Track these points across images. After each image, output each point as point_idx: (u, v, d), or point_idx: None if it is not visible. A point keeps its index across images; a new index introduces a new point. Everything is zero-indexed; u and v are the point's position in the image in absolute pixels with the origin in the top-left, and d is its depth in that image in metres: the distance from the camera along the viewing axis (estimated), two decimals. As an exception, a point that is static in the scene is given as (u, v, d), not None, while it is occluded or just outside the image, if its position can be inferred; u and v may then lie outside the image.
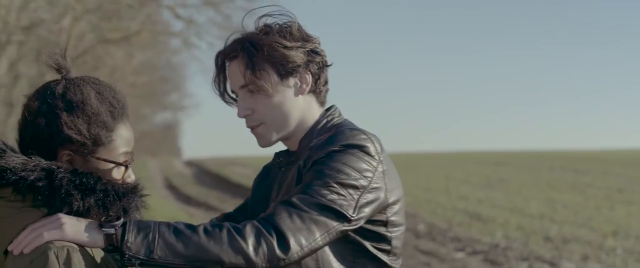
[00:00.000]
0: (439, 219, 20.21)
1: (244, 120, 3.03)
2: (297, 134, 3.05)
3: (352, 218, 2.79)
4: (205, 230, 2.61)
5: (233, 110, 3.08)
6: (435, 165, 42.87)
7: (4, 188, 2.48)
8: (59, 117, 2.50)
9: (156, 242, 2.54)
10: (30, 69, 18.79)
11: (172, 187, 37.58)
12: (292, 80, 2.99)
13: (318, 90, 3.05)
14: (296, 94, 3.01)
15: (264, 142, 3.05)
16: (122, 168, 2.63)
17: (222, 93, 3.09)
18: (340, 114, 3.11)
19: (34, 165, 2.45)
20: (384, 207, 2.91)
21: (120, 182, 2.61)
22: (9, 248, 2.44)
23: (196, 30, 23.60)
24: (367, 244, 2.93)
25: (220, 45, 3.07)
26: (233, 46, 3.01)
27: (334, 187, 2.77)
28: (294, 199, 2.75)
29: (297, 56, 2.96)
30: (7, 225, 2.47)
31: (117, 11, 18.13)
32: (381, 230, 2.94)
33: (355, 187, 2.80)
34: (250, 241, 2.61)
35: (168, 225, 2.60)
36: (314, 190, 2.76)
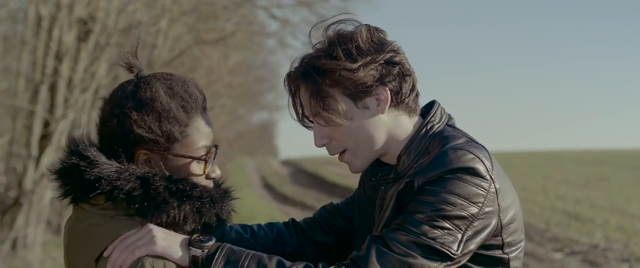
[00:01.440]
0: (537, 219, 19.93)
1: None
2: (390, 150, 2.74)
3: (456, 256, 2.50)
4: None
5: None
6: (533, 165, 42.34)
7: (96, 196, 2.44)
8: (128, 116, 2.44)
9: None
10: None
11: (268, 186, 37.82)
12: (368, 100, 2.66)
13: (402, 101, 2.70)
14: (376, 114, 2.68)
15: (355, 169, 2.78)
16: (202, 163, 2.54)
17: (301, 119, 2.78)
18: (441, 117, 2.77)
19: (129, 174, 2.41)
20: (498, 231, 2.59)
21: (204, 178, 2.55)
22: None
23: (291, 30, 23.70)
24: None
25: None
26: (296, 72, 2.71)
27: (437, 221, 2.49)
28: (390, 238, 2.50)
29: (368, 75, 2.62)
30: (99, 233, 2.43)
31: (213, 12, 18.31)
32: (497, 253, 2.63)
33: (462, 218, 2.50)
34: None
35: (259, 261, 2.47)
36: (414, 226, 2.49)
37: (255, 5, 20.29)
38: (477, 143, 2.67)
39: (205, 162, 2.54)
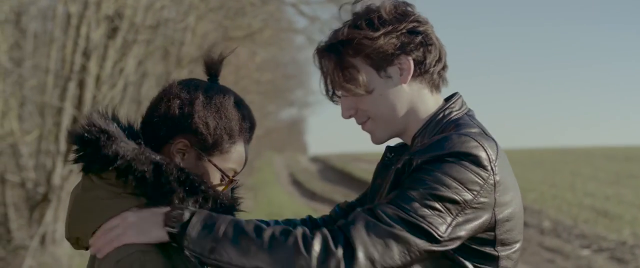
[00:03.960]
0: (564, 216, 19.87)
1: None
2: (410, 126, 2.74)
3: (442, 238, 2.44)
4: (272, 236, 2.41)
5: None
6: (562, 161, 42.13)
7: (108, 172, 2.47)
8: (194, 105, 2.53)
9: (218, 243, 2.39)
10: (156, 67, 19.13)
11: (297, 183, 37.90)
12: (391, 70, 2.68)
13: (426, 72, 2.70)
14: (399, 83, 2.68)
15: (375, 139, 2.78)
16: (226, 182, 2.62)
17: (331, 95, 2.79)
18: (461, 106, 2.75)
19: (145, 157, 2.46)
20: (491, 226, 2.54)
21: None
22: (90, 250, 2.47)
23: (320, 26, 23.70)
24: (469, 264, 2.58)
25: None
26: (322, 47, 2.75)
27: (429, 199, 2.44)
28: (378, 210, 2.45)
29: (388, 44, 2.64)
30: (102, 207, 2.48)
31: (241, 9, 18.34)
32: (487, 249, 2.58)
33: (455, 202, 2.46)
34: (315, 254, 2.37)
35: (236, 224, 2.43)
36: (405, 202, 2.45)
37: (283, 2, 20.32)
38: (489, 135, 2.63)
39: (230, 181, 2.62)
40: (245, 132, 2.63)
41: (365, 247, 2.39)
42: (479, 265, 2.59)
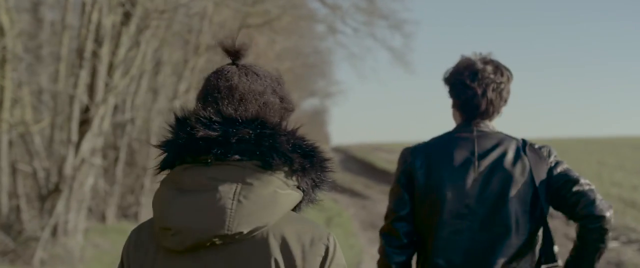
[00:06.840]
0: (591, 206, 19.46)
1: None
2: None
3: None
4: None
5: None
6: (588, 151, 41.70)
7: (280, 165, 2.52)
8: (282, 88, 2.72)
9: None
10: (173, 55, 18.95)
11: (318, 173, 37.66)
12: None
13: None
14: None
15: None
16: None
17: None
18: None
19: (321, 151, 2.62)
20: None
21: None
22: None
23: (341, 15, 23.48)
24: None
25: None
26: None
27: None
28: None
29: None
30: (282, 199, 2.49)
31: (258, -4, 18.08)
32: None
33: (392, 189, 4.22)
34: None
35: None
36: None
37: (304, -11, 20.05)
38: (426, 142, 4.17)
39: None
40: None
41: None
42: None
